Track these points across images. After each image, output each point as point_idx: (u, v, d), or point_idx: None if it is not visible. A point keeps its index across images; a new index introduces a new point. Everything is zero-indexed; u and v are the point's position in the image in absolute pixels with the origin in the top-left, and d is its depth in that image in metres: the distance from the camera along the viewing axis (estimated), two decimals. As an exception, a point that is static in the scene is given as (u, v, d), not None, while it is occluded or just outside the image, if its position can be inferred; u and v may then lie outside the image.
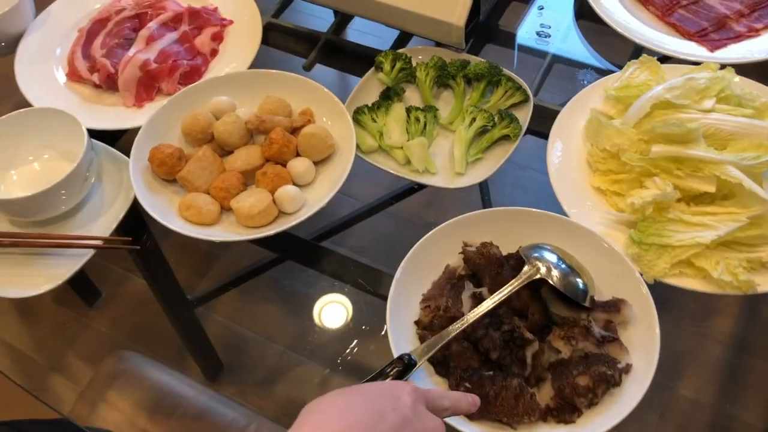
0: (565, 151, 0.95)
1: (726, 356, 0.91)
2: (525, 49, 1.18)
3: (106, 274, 1.03)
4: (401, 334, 0.79)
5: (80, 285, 1.02)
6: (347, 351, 0.89)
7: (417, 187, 1.05)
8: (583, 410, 0.73)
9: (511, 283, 0.77)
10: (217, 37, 1.16)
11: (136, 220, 0.98)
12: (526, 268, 0.79)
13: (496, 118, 0.98)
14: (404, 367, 0.71)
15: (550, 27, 1.19)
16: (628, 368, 0.75)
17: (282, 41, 1.23)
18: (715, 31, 1.08)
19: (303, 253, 1.02)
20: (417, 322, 0.81)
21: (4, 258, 0.93)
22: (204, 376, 0.95)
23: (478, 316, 0.75)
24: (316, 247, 1.02)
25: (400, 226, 1.06)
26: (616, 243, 0.83)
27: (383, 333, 0.78)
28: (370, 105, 1.02)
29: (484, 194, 1.07)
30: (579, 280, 0.79)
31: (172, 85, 1.09)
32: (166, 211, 0.92)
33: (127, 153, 0.97)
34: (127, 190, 0.96)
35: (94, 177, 0.97)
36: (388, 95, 1.03)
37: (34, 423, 0.95)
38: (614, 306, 0.79)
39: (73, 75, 1.12)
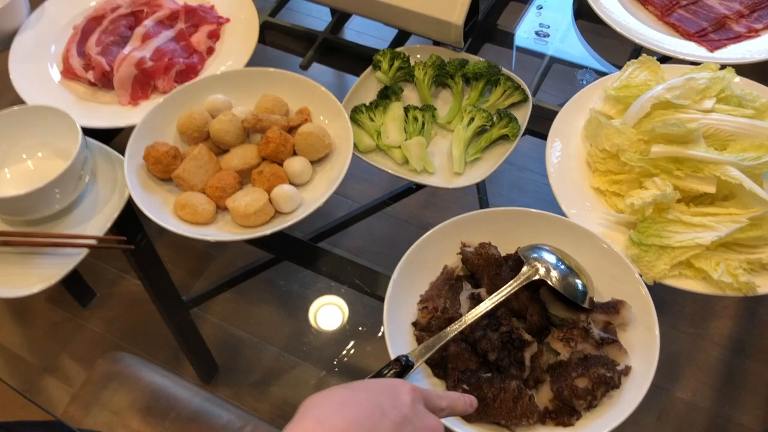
0: (564, 151, 0.95)
1: (723, 358, 0.91)
2: (523, 49, 1.18)
3: (100, 274, 1.03)
4: (398, 336, 0.78)
5: (74, 285, 1.01)
6: (344, 352, 0.89)
7: (415, 188, 1.04)
8: (581, 412, 0.73)
9: (509, 283, 0.77)
10: (214, 35, 1.15)
11: (130, 219, 0.97)
12: (524, 268, 0.78)
13: (494, 118, 0.98)
14: (401, 368, 0.70)
15: (549, 27, 1.19)
16: (627, 370, 0.74)
17: (279, 40, 1.22)
18: (714, 32, 1.08)
19: (299, 254, 1.02)
20: (414, 324, 0.80)
21: (-3, 257, 0.93)
22: (199, 378, 0.94)
23: (476, 318, 0.74)
24: (313, 248, 1.01)
25: (397, 227, 1.06)
26: (615, 244, 0.83)
27: (380, 334, 0.77)
28: (367, 104, 1.01)
29: (481, 195, 1.07)
30: (578, 281, 0.78)
31: (168, 83, 1.08)
32: (161, 210, 0.92)
33: (122, 151, 0.96)
34: (122, 189, 0.96)
35: (89, 176, 0.96)
36: (386, 94, 1.02)
37: (26, 425, 0.94)
38: (613, 307, 0.78)
39: (68, 73, 1.11)
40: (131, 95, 1.07)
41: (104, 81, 1.09)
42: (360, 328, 0.91)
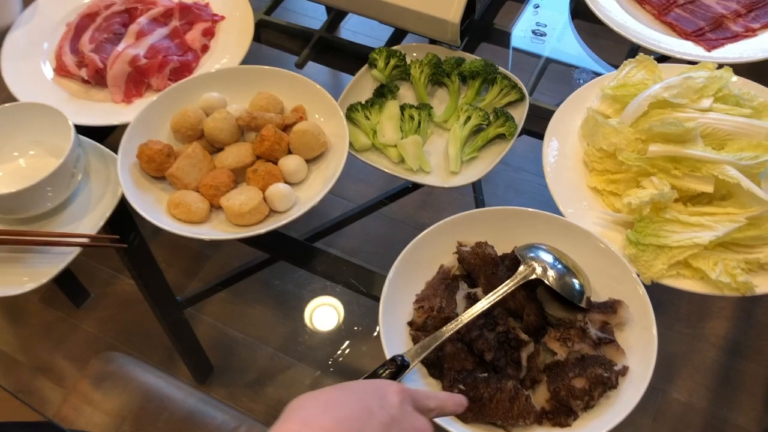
0: (561, 150, 0.94)
1: (720, 359, 0.91)
2: (520, 49, 1.18)
3: (94, 274, 1.02)
4: (394, 335, 0.77)
5: (68, 285, 1.01)
6: (339, 352, 0.88)
7: (411, 187, 1.04)
8: (578, 413, 0.72)
9: (506, 283, 0.76)
10: (208, 33, 1.15)
11: (123, 218, 0.96)
12: (521, 268, 0.78)
13: (491, 117, 0.97)
14: (397, 368, 0.70)
15: (545, 26, 1.19)
16: (624, 371, 0.74)
17: (274, 38, 1.22)
18: (711, 31, 1.08)
19: (294, 253, 1.01)
20: (410, 323, 0.80)
21: (-12, 256, 0.92)
22: (193, 378, 0.94)
23: (472, 317, 0.74)
24: (308, 247, 1.01)
25: (393, 228, 1.06)
26: (612, 243, 0.83)
27: (376, 334, 0.77)
28: (363, 102, 1.01)
29: (477, 195, 1.06)
30: (575, 281, 0.78)
31: (162, 81, 1.07)
32: (155, 208, 0.91)
33: (115, 150, 0.95)
34: (115, 188, 0.95)
35: (81, 174, 0.95)
36: (382, 93, 1.01)
37: (18, 426, 0.94)
38: (611, 307, 0.78)
39: (61, 70, 1.10)
40: (125, 93, 1.06)
41: (98, 78, 1.08)
42: (355, 328, 0.90)
